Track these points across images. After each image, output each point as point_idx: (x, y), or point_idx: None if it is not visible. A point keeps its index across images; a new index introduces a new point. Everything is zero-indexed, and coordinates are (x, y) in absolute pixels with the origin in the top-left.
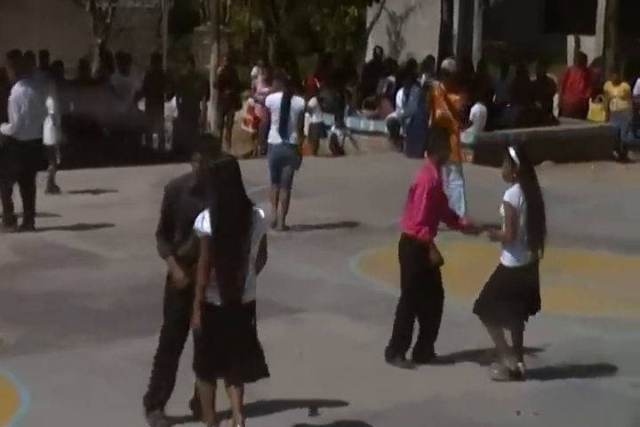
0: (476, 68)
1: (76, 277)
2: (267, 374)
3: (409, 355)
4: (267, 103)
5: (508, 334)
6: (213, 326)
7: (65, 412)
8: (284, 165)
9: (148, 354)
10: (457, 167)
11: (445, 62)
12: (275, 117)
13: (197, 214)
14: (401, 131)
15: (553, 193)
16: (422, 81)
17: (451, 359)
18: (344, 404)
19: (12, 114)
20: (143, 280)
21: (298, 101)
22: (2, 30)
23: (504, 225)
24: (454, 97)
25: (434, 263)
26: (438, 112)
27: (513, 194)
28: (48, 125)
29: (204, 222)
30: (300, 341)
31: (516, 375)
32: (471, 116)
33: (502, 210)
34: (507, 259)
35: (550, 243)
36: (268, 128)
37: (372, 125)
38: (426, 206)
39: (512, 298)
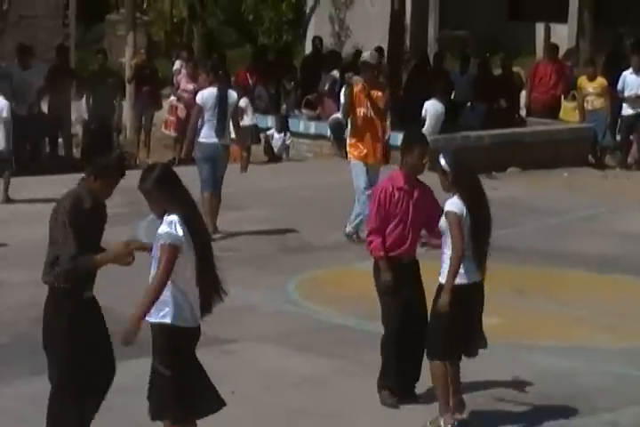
0: (432, 62)
1: None
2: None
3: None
4: (199, 100)
5: None
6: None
7: None
8: (217, 168)
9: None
10: (376, 172)
11: (366, 54)
12: (208, 115)
13: (97, 232)
14: (346, 134)
15: (521, 204)
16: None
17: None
18: None
19: None
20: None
21: (233, 96)
22: None
23: (449, 238)
24: (377, 93)
25: (382, 284)
26: (359, 111)
27: (454, 203)
28: None
29: (176, 227)
30: (232, 376)
31: None
32: (423, 112)
33: (443, 222)
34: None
35: (516, 260)
36: (197, 127)
37: (312, 128)
38: (374, 218)
39: (451, 326)
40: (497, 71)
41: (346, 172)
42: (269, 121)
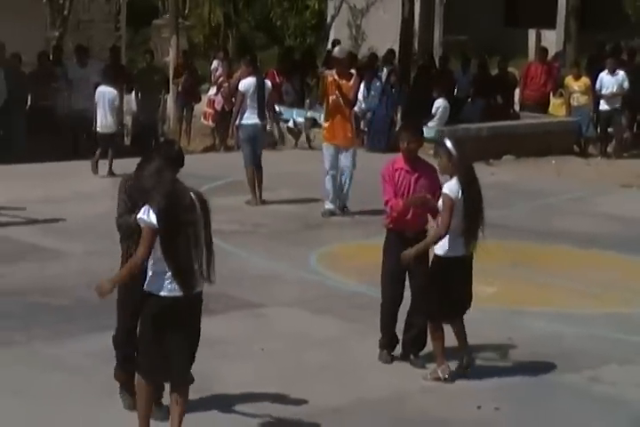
0: (437, 63)
1: (33, 272)
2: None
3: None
4: (241, 88)
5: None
6: (161, 321)
7: (23, 408)
8: (257, 146)
9: (111, 350)
10: (350, 153)
11: (336, 50)
12: (250, 101)
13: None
14: (362, 125)
15: (514, 188)
16: (383, 75)
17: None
18: (305, 400)
19: None
20: (102, 276)
21: (268, 84)
22: None
23: (440, 217)
24: (347, 83)
25: (403, 259)
26: (331, 99)
27: (452, 186)
28: None
29: (149, 213)
30: (261, 336)
31: (444, 381)
32: (434, 110)
33: (440, 202)
34: (441, 248)
35: (510, 237)
36: (238, 113)
37: None
38: (386, 192)
39: (446, 291)
40: (494, 71)
41: (362, 159)
42: (295, 113)
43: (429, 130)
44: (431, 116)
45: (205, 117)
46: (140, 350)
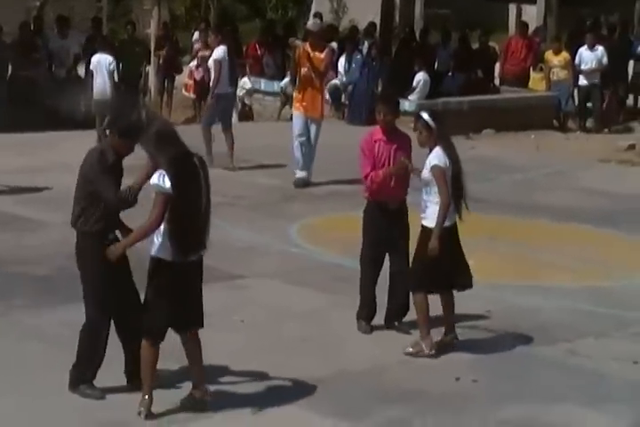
0: (418, 37)
1: (12, 242)
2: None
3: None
4: (216, 56)
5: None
6: (174, 285)
7: (2, 377)
8: (229, 111)
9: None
10: (317, 124)
11: (310, 23)
12: (224, 70)
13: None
14: (343, 98)
15: (494, 162)
16: (364, 48)
17: (393, 327)
18: (286, 371)
19: None
20: None
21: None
22: None
23: (432, 188)
24: (319, 55)
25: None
26: (302, 71)
27: (439, 156)
28: None
29: (164, 179)
30: (241, 308)
31: (428, 355)
32: (414, 83)
33: (428, 174)
34: (431, 220)
35: (489, 210)
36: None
37: None
38: (365, 165)
39: (435, 262)
40: (475, 45)
41: (343, 131)
42: (275, 85)
43: (410, 103)
44: (412, 90)
45: (187, 89)
46: (150, 313)
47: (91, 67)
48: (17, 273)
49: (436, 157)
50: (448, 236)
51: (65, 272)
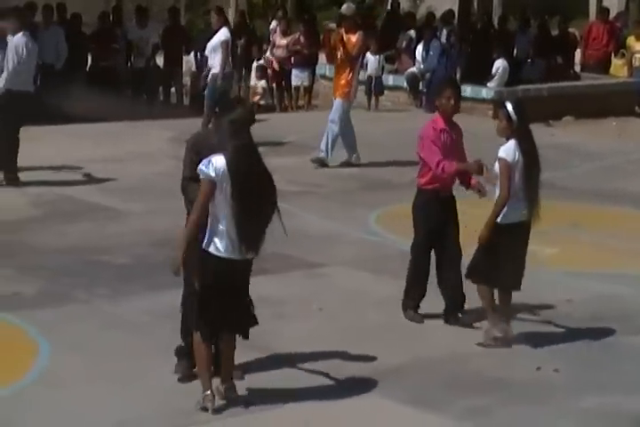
0: (496, 24)
1: (94, 231)
2: (256, 322)
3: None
4: (224, 37)
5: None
6: (218, 279)
7: (84, 364)
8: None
9: (170, 307)
10: (341, 105)
11: (344, 7)
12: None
13: None
14: (420, 85)
15: (575, 149)
16: (443, 36)
17: (471, 314)
18: (364, 359)
19: (8, 64)
20: (162, 234)
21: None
22: None
23: (499, 182)
24: (352, 39)
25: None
26: (337, 54)
27: (509, 149)
28: None
29: (209, 165)
30: (319, 295)
31: (503, 342)
32: (494, 70)
33: (497, 166)
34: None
35: (570, 198)
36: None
37: (391, 80)
38: (436, 153)
39: (505, 256)
40: (554, 32)
41: (421, 119)
42: None
43: (489, 91)
44: (491, 77)
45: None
46: (197, 307)
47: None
48: (98, 261)
49: (506, 149)
50: (515, 232)
51: (145, 261)
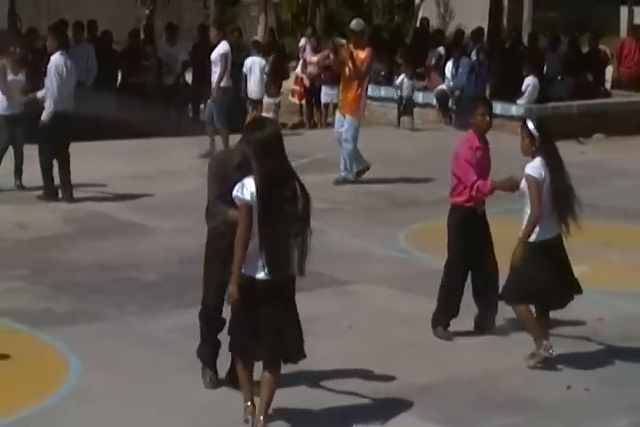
0: (526, 41)
1: (124, 247)
2: (304, 356)
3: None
4: (222, 51)
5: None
6: (250, 301)
7: (115, 381)
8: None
9: (197, 325)
10: (351, 121)
11: (353, 22)
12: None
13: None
14: (450, 103)
15: (605, 167)
16: (472, 53)
17: (501, 332)
18: (393, 377)
19: (52, 83)
20: (191, 252)
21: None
22: (51, 3)
23: (528, 200)
24: (360, 55)
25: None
26: (346, 70)
27: (535, 167)
28: None
29: (243, 190)
30: (348, 313)
31: (544, 360)
32: (523, 87)
33: (524, 184)
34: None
35: (601, 217)
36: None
37: (420, 97)
38: (472, 173)
39: (540, 274)
40: (584, 49)
41: (450, 137)
42: (383, 91)
43: (518, 108)
44: (520, 94)
45: (293, 95)
46: (230, 328)
47: (244, 69)
48: (128, 278)
49: (532, 167)
50: (547, 249)
51: (175, 278)
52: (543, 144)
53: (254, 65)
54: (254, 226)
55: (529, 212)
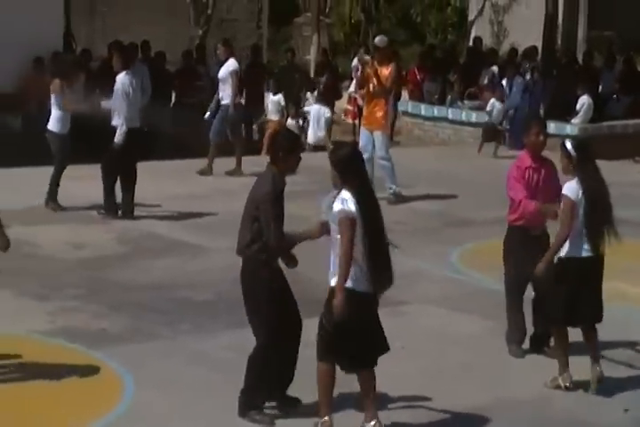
0: (581, 60)
1: (178, 267)
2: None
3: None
4: (233, 67)
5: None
6: (357, 313)
7: (169, 401)
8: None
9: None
10: (382, 138)
11: (377, 39)
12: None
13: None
14: (504, 122)
15: None
16: (527, 71)
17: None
18: (448, 398)
19: (121, 103)
20: None
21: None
22: (106, 22)
23: (560, 218)
24: (385, 71)
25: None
26: (371, 86)
27: (571, 187)
28: None
29: (348, 203)
30: (402, 334)
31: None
32: (578, 106)
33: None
34: (562, 250)
35: None
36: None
37: (474, 116)
38: (520, 190)
39: (569, 294)
40: None
41: (501, 155)
42: (435, 111)
43: (573, 127)
44: (575, 113)
45: (346, 114)
46: (335, 341)
47: (309, 116)
48: (182, 298)
49: (569, 187)
50: (583, 268)
51: (229, 297)
52: (580, 164)
53: (320, 115)
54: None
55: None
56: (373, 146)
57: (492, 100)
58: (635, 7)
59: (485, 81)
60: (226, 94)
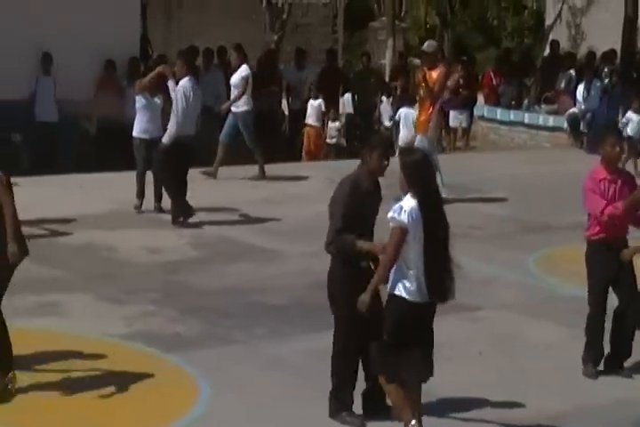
0: None
1: (252, 272)
2: (432, 374)
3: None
4: (244, 74)
5: None
6: (410, 323)
7: (245, 406)
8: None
9: (328, 349)
10: (422, 142)
11: (425, 44)
12: (249, 87)
13: (372, 213)
14: (581, 126)
15: None
16: (605, 74)
17: (637, 363)
18: (522, 405)
19: (177, 107)
20: (319, 277)
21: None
22: (182, 28)
23: None
24: (433, 76)
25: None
26: (421, 91)
27: None
28: None
29: (401, 212)
30: (479, 339)
31: None
32: None
33: None
34: None
35: None
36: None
37: (551, 121)
38: (597, 203)
39: None
40: None
41: (582, 161)
42: (512, 115)
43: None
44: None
45: None
46: (380, 351)
47: (397, 118)
48: (257, 302)
49: None
50: None
51: (303, 302)
52: None
53: (407, 117)
54: (413, 247)
55: None
56: None
57: (629, 113)
58: None
59: (563, 85)
60: (240, 101)
